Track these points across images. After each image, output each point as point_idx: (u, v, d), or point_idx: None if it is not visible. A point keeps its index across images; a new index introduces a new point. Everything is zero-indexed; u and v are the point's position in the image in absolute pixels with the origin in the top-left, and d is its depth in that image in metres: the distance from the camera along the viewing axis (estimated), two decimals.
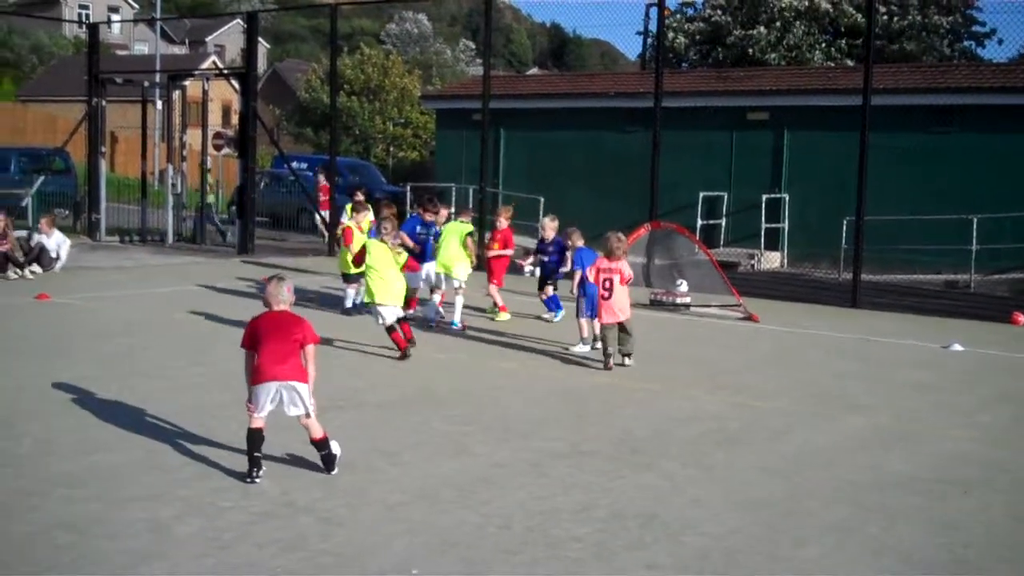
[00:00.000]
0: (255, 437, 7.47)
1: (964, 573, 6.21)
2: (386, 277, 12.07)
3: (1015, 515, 7.33)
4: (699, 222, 24.95)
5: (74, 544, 6.08)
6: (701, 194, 25.36)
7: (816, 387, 11.45)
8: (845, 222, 20.86)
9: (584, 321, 12.95)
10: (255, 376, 7.50)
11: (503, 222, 15.93)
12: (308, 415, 7.53)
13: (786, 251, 25.36)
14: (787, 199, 25.17)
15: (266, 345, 7.49)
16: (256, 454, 7.46)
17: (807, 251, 24.26)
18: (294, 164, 30.96)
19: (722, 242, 25.53)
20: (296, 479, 7.47)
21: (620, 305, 12.04)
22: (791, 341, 14.80)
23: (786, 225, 25.21)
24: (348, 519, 6.71)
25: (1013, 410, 10.67)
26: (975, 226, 21.16)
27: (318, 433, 7.59)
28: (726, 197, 25.86)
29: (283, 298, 7.74)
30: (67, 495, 6.93)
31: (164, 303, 15.95)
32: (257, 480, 7.36)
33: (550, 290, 15.50)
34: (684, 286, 17.64)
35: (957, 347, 14.09)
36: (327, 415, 8.15)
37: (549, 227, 15.83)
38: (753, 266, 24.62)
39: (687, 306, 17.34)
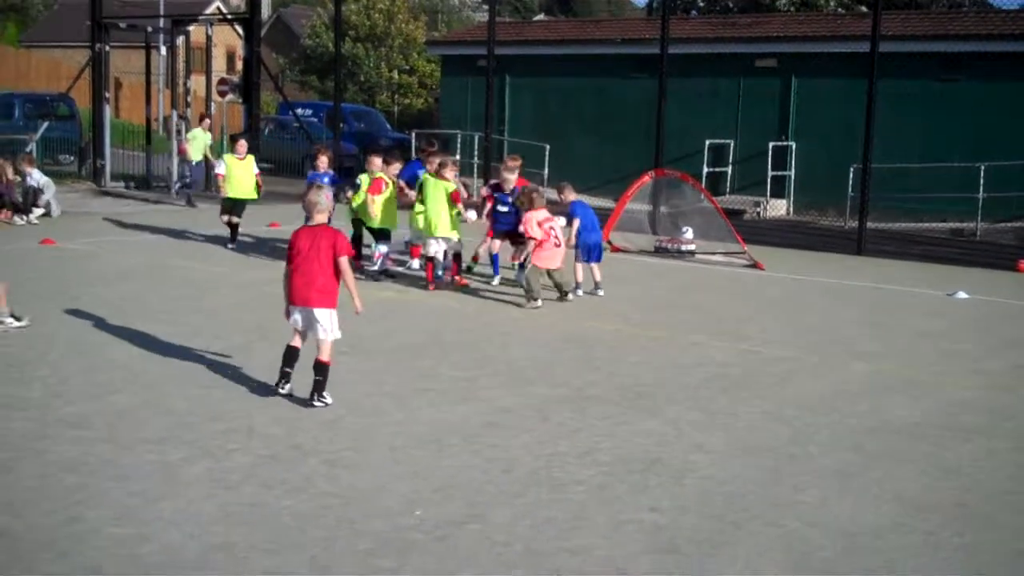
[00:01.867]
0: (289, 352, 7.86)
1: (965, 518, 6.25)
2: (442, 212, 13.02)
3: (1018, 462, 7.37)
4: (705, 169, 24.87)
5: (83, 485, 6.14)
6: (707, 142, 25.25)
7: (820, 334, 11.46)
8: (852, 170, 20.79)
9: (580, 266, 13.21)
10: (289, 295, 7.79)
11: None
12: (323, 338, 7.76)
13: (792, 199, 25.29)
14: (794, 147, 25.05)
15: (299, 264, 7.71)
16: (287, 369, 7.83)
17: (813, 199, 24.18)
18: (299, 111, 30.83)
19: (728, 190, 25.46)
20: (303, 422, 7.52)
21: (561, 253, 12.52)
22: (796, 289, 14.80)
23: (793, 173, 25.11)
24: (354, 462, 6.76)
25: (1017, 357, 10.69)
26: (982, 174, 21.07)
27: (325, 356, 7.74)
28: (732, 144, 25.75)
29: (322, 206, 7.84)
30: (76, 437, 6.99)
31: (168, 249, 15.97)
32: (282, 391, 7.74)
33: (497, 244, 13.80)
34: (689, 233, 17.63)
35: (962, 295, 14.09)
36: (335, 360, 8.18)
37: (509, 174, 13.63)
38: (759, 214, 24.56)
39: (692, 253, 17.34)
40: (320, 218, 7.87)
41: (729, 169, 25.81)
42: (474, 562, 5.35)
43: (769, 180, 24.91)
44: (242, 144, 16.56)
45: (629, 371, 9.53)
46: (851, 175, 20.99)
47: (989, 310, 13.39)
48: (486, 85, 22.60)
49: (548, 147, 25.88)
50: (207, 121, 24.95)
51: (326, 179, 14.37)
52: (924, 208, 21.84)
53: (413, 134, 29.45)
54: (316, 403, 7.79)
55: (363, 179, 14.11)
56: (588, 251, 13.26)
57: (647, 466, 6.92)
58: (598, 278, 13.29)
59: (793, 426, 8.00)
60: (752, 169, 25.14)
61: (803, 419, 8.19)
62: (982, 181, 21.09)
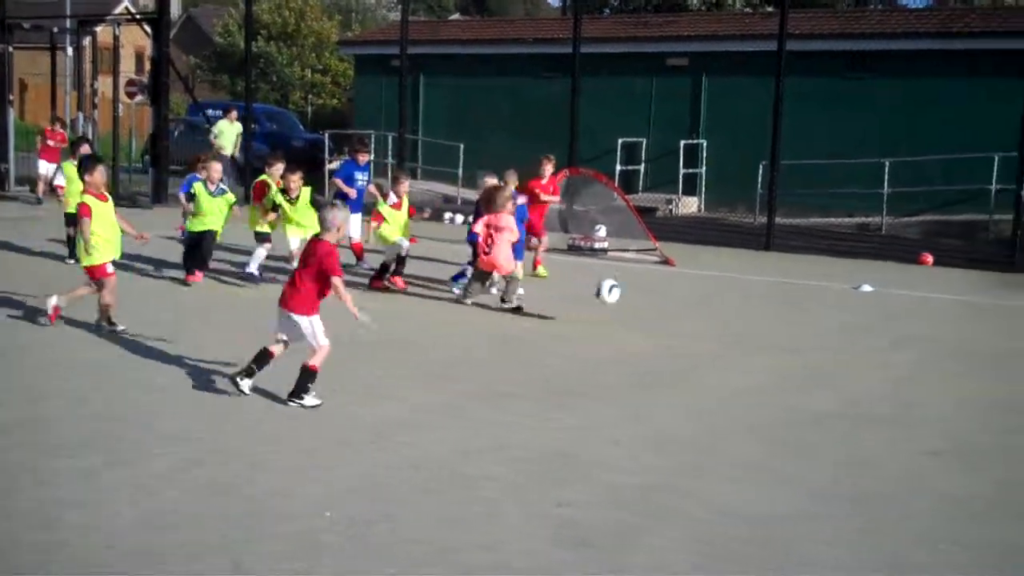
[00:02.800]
0: (261, 353, 8.02)
1: (871, 505, 6.41)
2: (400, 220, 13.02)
3: (922, 450, 7.57)
4: (618, 168, 25.05)
5: (3, 492, 6.00)
6: (620, 140, 25.45)
7: (731, 329, 11.65)
8: (761, 167, 21.12)
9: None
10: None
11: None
12: (311, 343, 7.95)
13: (703, 196, 25.62)
14: (705, 145, 25.37)
15: (296, 272, 8.11)
16: (252, 366, 7.97)
17: (724, 196, 24.51)
18: (210, 112, 30.38)
19: (641, 187, 25.68)
20: (225, 425, 7.42)
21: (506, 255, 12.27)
22: (707, 284, 15.02)
23: (704, 170, 25.44)
24: (272, 464, 6.70)
25: (921, 348, 10.97)
26: (887, 170, 21.56)
27: (311, 360, 7.90)
28: (645, 143, 25.99)
29: (327, 225, 8.07)
30: None
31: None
32: (240, 384, 7.93)
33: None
34: (602, 231, 17.77)
35: (867, 288, 14.41)
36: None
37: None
38: (671, 211, 24.83)
39: (605, 251, 17.48)
40: (325, 235, 8.04)
41: (642, 167, 26.05)
42: (386, 561, 5.34)
43: (681, 178, 25.21)
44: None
45: (546, 368, 9.58)
46: (760, 172, 21.32)
47: (893, 302, 13.71)
48: (399, 84, 22.47)
49: (462, 145, 25.87)
50: (234, 112, 23.75)
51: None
52: (831, 204, 22.28)
53: (327, 134, 29.20)
54: (291, 403, 7.87)
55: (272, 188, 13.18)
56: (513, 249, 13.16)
57: (560, 461, 6.97)
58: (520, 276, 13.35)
59: (707, 420, 8.13)
60: (664, 167, 25.41)
61: (715, 412, 8.33)
62: (887, 177, 21.58)
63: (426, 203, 16.45)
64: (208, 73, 51.25)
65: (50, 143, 23.87)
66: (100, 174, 10.14)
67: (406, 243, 13.01)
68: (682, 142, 25.12)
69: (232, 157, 23.07)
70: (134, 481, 6.28)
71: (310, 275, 7.92)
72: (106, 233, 9.98)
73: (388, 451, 7.05)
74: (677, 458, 7.16)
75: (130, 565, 5.13)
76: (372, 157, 27.27)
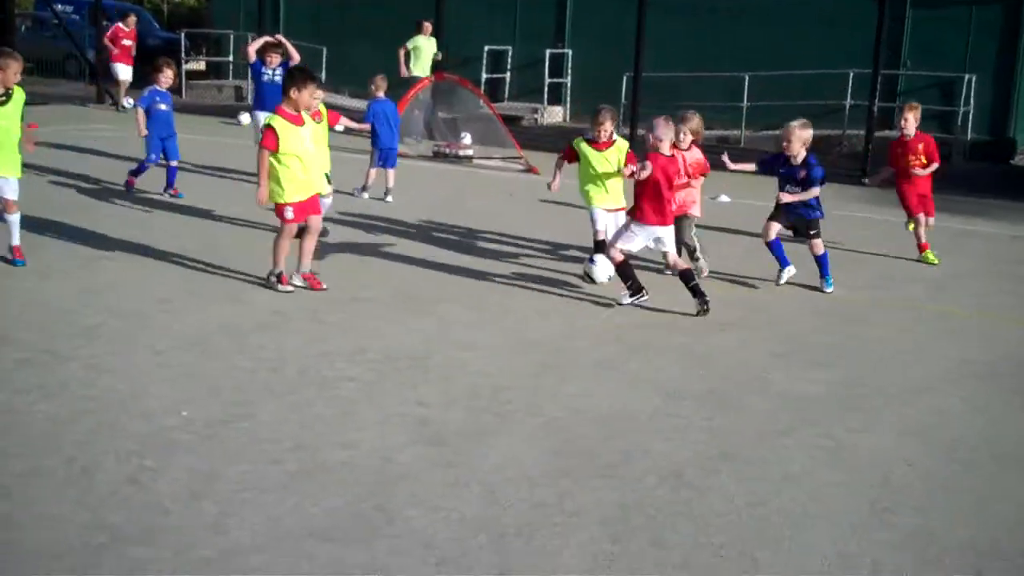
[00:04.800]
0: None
1: (715, 403, 6.63)
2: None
3: (771, 351, 7.84)
4: (484, 76, 24.88)
5: None
6: (486, 48, 25.25)
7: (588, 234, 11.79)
8: (625, 78, 21.24)
9: (375, 171, 13.45)
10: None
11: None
12: None
13: (568, 106, 25.67)
14: (570, 54, 25.36)
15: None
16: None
17: (589, 106, 24.51)
18: (59, 7, 29.02)
19: (506, 96, 25.59)
20: (59, 327, 7.24)
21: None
22: (566, 191, 15.09)
23: (569, 80, 25.46)
24: (115, 366, 6.57)
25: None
26: (747, 84, 21.93)
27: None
28: (510, 51, 25.84)
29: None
30: None
31: None
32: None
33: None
34: (468, 139, 17.69)
35: (724, 198, 14.72)
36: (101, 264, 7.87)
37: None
38: (536, 120, 24.83)
39: (470, 158, 17.43)
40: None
41: (507, 76, 25.93)
42: (241, 458, 5.33)
43: (546, 87, 25.18)
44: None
45: (404, 274, 9.57)
46: (624, 83, 21.45)
47: (748, 212, 14.04)
48: None
49: (325, 50, 25.30)
50: (428, 25, 20.66)
51: (168, 99, 12.67)
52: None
53: (183, 34, 28.21)
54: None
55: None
56: (386, 156, 13.29)
57: (416, 363, 7.01)
58: (391, 184, 13.30)
59: (559, 322, 8.25)
60: (530, 76, 25.33)
61: (571, 315, 8.46)
62: (747, 91, 21.96)
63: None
64: None
65: (126, 43, 22.36)
66: (309, 93, 8.63)
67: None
68: (548, 51, 25.05)
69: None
70: None
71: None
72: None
73: (245, 353, 7.00)
74: (532, 359, 7.27)
75: None
76: (231, 59, 26.64)
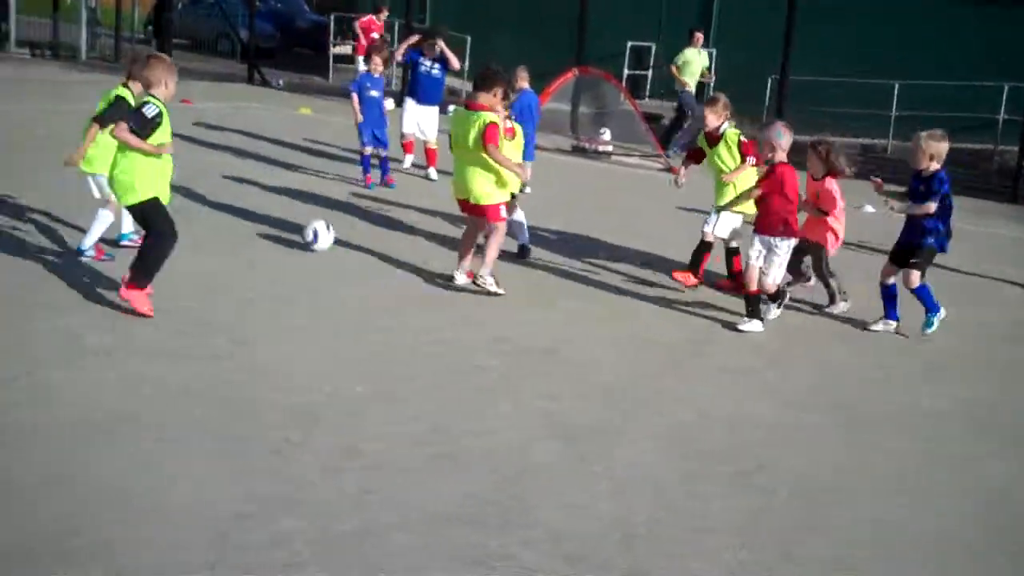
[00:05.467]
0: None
1: (847, 415, 6.56)
2: None
3: (907, 371, 7.70)
4: (625, 72, 24.82)
5: None
6: (629, 43, 25.17)
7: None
8: (770, 80, 20.96)
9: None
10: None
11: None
12: None
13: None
14: (715, 53, 25.11)
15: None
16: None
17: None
18: None
19: (648, 93, 25.48)
20: (209, 300, 7.54)
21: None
22: (705, 194, 14.99)
23: (713, 80, 25.22)
24: (263, 340, 6.83)
25: None
26: (896, 92, 21.43)
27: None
28: (654, 48, 25.71)
29: None
30: None
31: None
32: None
33: None
34: (607, 134, 17.71)
35: (869, 208, 14.44)
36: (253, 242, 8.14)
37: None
38: None
39: (608, 154, 17.45)
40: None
41: (649, 72, 25.80)
42: (382, 436, 5.50)
43: None
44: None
45: (535, 267, 9.66)
46: (769, 85, 21.17)
47: (894, 224, 13.76)
48: None
49: (469, 39, 25.56)
50: (699, 36, 19.84)
51: (380, 84, 12.38)
52: (836, 123, 22.12)
53: (332, 17, 28.80)
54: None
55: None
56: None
57: (547, 356, 7.12)
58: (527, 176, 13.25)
59: (691, 324, 8.25)
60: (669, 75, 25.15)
61: (702, 317, 8.44)
62: (896, 100, 21.45)
63: None
64: None
65: (374, 36, 21.25)
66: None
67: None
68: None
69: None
70: (116, 346, 6.41)
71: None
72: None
73: (383, 332, 7.19)
74: (660, 359, 7.30)
75: (116, 428, 5.29)
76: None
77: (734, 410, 6.46)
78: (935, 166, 8.46)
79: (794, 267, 8.83)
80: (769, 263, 8.17)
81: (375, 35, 21.19)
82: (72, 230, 8.80)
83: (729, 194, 9.07)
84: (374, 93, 12.30)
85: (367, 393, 6.10)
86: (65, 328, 6.63)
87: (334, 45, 26.94)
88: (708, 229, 9.17)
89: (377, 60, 12.28)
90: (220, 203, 10.63)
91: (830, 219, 8.92)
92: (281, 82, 23.00)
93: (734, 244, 9.38)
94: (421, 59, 13.38)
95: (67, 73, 21.74)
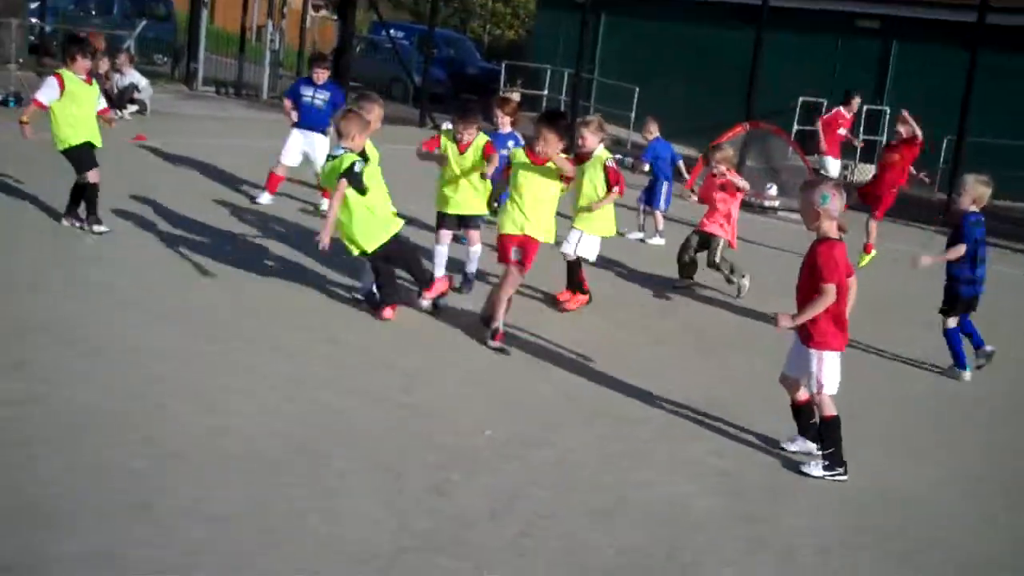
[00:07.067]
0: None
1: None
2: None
3: None
4: (795, 127, 24.50)
5: (169, 375, 6.38)
6: (800, 99, 24.86)
7: (901, 303, 11.41)
8: (945, 140, 20.39)
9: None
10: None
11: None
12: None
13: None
14: (888, 112, 24.57)
15: None
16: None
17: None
18: (392, 32, 30.84)
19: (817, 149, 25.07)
20: (381, 335, 7.70)
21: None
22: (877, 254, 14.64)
23: (884, 138, 24.66)
24: (431, 379, 6.94)
25: None
26: None
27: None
28: (825, 104, 25.31)
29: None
30: (164, 331, 7.24)
31: (259, 155, 16.16)
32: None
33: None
34: (773, 189, 17.48)
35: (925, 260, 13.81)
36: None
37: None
38: (845, 177, 24.19)
39: (775, 210, 17.22)
40: None
41: (820, 128, 25.40)
42: (542, 483, 5.50)
43: (859, 144, 24.48)
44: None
45: (692, 317, 9.57)
46: (944, 146, 20.60)
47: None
48: (582, 22, 22.34)
49: (637, 89, 25.66)
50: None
51: (509, 143, 10.39)
52: (1011, 185, 21.33)
53: (503, 65, 29.34)
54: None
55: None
56: (652, 196, 13.41)
57: (710, 407, 7.01)
58: (659, 226, 13.30)
59: (856, 384, 8.02)
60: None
61: (868, 381, 8.20)
62: None
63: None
64: None
65: (841, 132, 17.95)
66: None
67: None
68: (865, 107, 24.37)
69: None
70: (293, 376, 6.61)
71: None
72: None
73: (549, 381, 7.21)
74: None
75: (291, 460, 5.42)
76: (546, 92, 27.43)
77: (905, 483, 6.24)
78: (972, 208, 8.50)
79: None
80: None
81: (843, 130, 17.99)
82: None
83: (587, 220, 9.03)
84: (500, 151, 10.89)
85: (527, 439, 6.11)
86: (246, 358, 6.86)
87: (503, 92, 27.35)
88: (569, 250, 9.08)
89: (500, 115, 11.01)
90: None
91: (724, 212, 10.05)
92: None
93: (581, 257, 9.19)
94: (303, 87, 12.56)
95: (246, 110, 22.66)
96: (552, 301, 9.26)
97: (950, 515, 5.83)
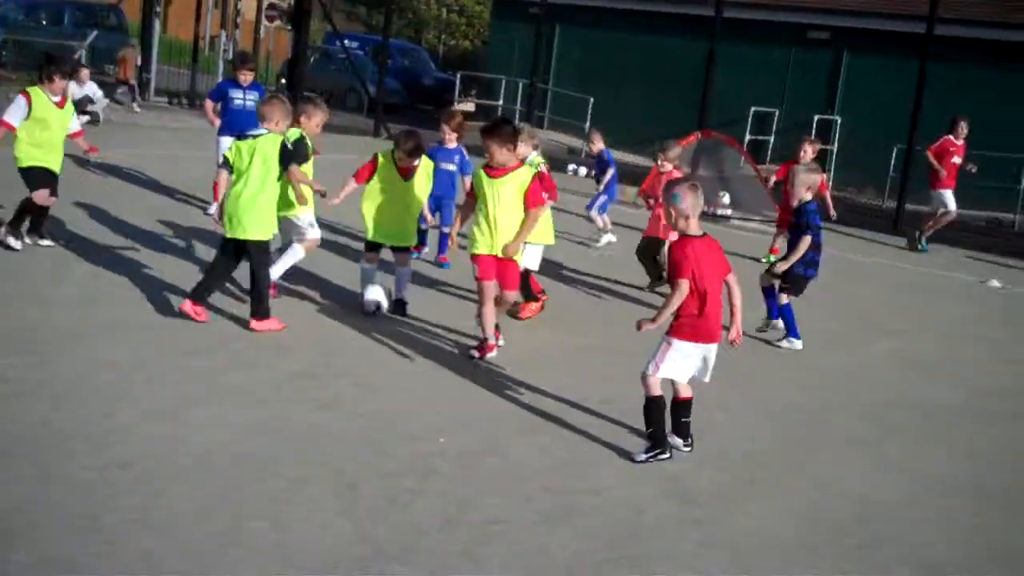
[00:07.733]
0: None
1: (984, 495, 6.33)
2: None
3: None
4: (747, 137, 24.71)
5: (118, 385, 6.31)
6: (752, 109, 25.08)
7: (851, 309, 11.51)
8: (895, 150, 20.66)
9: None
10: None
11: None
12: None
13: (832, 173, 25.12)
14: (839, 121, 24.86)
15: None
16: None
17: (853, 176, 24.01)
18: (346, 43, 30.76)
19: (768, 159, 25.27)
20: (331, 344, 7.66)
21: None
22: (830, 262, 14.76)
23: (835, 147, 24.94)
24: (383, 385, 6.91)
25: None
26: None
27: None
28: (777, 114, 25.56)
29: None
30: (113, 337, 7.16)
31: (212, 166, 16.03)
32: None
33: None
34: (726, 198, 17.61)
35: (994, 283, 14.06)
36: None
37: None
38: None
39: (727, 218, 17.34)
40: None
41: (771, 138, 25.64)
42: (494, 491, 5.48)
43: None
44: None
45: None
46: (894, 155, 20.85)
47: (1021, 301, 13.38)
48: (536, 32, 22.41)
49: (592, 99, 25.77)
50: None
51: (456, 158, 11.07)
52: (962, 195, 21.67)
53: (458, 76, 29.36)
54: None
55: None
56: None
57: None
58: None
59: (814, 395, 8.08)
60: (795, 140, 24.88)
61: (826, 389, 8.27)
62: None
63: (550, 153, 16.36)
64: (347, 3, 51.70)
65: (955, 160, 16.71)
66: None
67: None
68: (816, 116, 24.64)
69: None
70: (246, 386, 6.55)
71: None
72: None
73: (499, 390, 7.20)
74: (785, 429, 7.15)
75: (239, 467, 5.37)
76: (500, 103, 27.47)
77: (859, 484, 6.28)
78: (806, 196, 9.00)
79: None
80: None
81: (957, 159, 16.82)
82: None
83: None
84: (446, 166, 10.94)
85: (479, 447, 6.10)
86: (201, 367, 6.80)
87: (458, 103, 27.38)
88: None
89: (446, 130, 11.09)
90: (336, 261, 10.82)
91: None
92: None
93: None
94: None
95: (199, 120, 22.46)
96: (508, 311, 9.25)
97: (905, 515, 5.87)
